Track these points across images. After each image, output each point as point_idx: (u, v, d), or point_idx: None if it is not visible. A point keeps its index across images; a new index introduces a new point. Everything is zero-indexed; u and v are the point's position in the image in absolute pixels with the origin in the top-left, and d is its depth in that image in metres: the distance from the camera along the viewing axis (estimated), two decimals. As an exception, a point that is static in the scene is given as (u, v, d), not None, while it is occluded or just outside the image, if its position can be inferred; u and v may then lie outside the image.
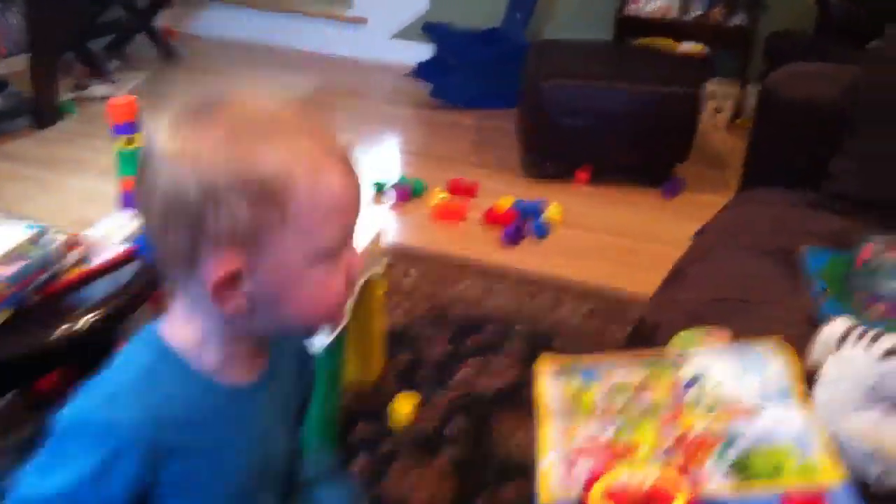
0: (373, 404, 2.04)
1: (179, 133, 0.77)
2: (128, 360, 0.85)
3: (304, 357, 1.02)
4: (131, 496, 0.80)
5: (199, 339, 0.84)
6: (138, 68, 4.44)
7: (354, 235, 0.84)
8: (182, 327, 0.85)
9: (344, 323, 1.80)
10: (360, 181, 0.82)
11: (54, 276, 1.66)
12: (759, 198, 2.11)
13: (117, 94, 3.50)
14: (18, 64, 3.89)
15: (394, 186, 3.23)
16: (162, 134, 0.77)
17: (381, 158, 3.70)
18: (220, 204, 0.75)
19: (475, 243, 2.89)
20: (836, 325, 1.23)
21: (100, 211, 2.53)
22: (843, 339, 1.20)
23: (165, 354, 0.84)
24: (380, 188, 3.24)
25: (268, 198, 0.75)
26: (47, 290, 1.64)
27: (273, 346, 0.92)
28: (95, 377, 0.84)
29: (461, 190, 3.22)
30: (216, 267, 0.77)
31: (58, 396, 0.83)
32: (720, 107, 4.06)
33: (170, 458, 0.81)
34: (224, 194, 0.75)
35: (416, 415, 2.00)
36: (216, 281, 0.78)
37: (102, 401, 0.81)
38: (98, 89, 4.05)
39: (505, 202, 3.08)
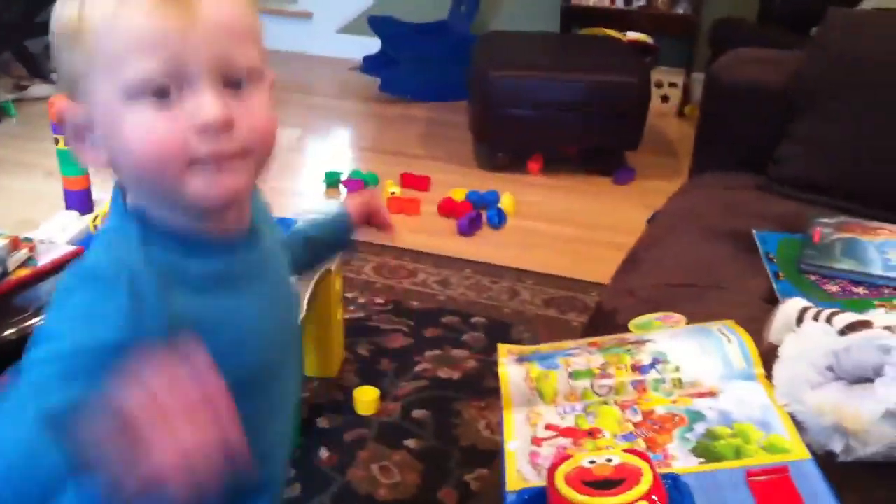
0: (335, 396, 2.04)
1: None
2: (109, 229, 0.82)
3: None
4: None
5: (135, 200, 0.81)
6: (79, 67, 4.35)
7: (200, 79, 0.75)
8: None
9: (302, 315, 1.78)
10: (183, 14, 0.73)
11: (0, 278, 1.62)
12: (708, 182, 2.14)
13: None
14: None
15: (345, 182, 3.21)
16: None
17: (332, 153, 3.68)
18: (54, 48, 0.78)
19: (430, 235, 2.88)
20: (793, 305, 1.24)
21: (45, 212, 2.47)
22: (800, 318, 1.21)
23: (140, 220, 0.80)
24: (332, 181, 3.22)
25: (71, 36, 0.75)
26: (-7, 292, 1.60)
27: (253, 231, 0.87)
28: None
29: (414, 183, 3.21)
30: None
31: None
32: (667, 95, 4.10)
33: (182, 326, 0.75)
34: (54, 37, 0.78)
35: (378, 405, 1.99)
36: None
37: (101, 254, 0.79)
38: (38, 90, 3.96)
39: (458, 193, 3.07)
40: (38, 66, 4.09)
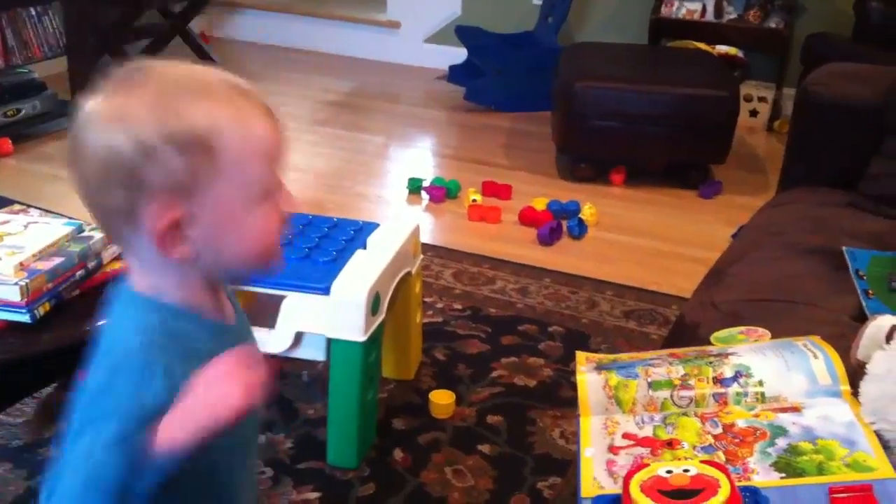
0: (411, 398, 2.06)
1: (108, 98, 0.81)
2: (132, 326, 0.85)
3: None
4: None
5: (160, 287, 0.86)
6: (174, 71, 4.48)
7: (283, 175, 0.87)
8: (143, 280, 0.87)
9: (381, 317, 1.80)
10: (280, 125, 0.87)
11: (93, 271, 1.68)
12: (797, 198, 2.10)
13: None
14: (56, 67, 3.94)
15: (427, 188, 3.23)
16: (92, 101, 0.82)
17: (416, 160, 3.72)
18: (154, 157, 0.79)
19: (510, 243, 2.88)
20: (883, 321, 1.21)
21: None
22: (890, 335, 1.18)
23: (161, 308, 0.85)
24: (415, 187, 3.25)
25: (198, 147, 0.80)
26: (86, 284, 1.66)
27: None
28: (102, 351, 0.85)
29: (495, 191, 3.21)
30: (158, 218, 0.81)
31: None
32: (756, 109, 4.02)
33: None
34: (157, 148, 0.79)
35: (454, 409, 2.01)
36: (159, 230, 0.81)
37: (135, 348, 0.82)
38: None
39: (540, 203, 3.07)
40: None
